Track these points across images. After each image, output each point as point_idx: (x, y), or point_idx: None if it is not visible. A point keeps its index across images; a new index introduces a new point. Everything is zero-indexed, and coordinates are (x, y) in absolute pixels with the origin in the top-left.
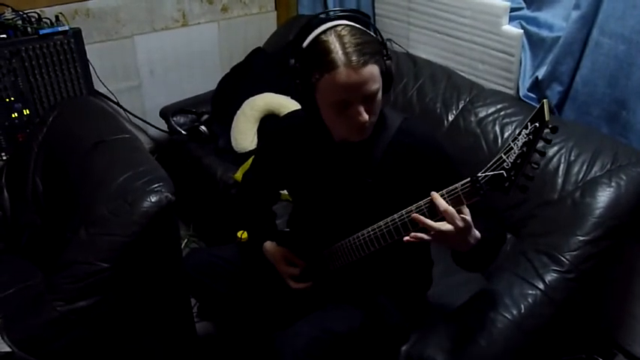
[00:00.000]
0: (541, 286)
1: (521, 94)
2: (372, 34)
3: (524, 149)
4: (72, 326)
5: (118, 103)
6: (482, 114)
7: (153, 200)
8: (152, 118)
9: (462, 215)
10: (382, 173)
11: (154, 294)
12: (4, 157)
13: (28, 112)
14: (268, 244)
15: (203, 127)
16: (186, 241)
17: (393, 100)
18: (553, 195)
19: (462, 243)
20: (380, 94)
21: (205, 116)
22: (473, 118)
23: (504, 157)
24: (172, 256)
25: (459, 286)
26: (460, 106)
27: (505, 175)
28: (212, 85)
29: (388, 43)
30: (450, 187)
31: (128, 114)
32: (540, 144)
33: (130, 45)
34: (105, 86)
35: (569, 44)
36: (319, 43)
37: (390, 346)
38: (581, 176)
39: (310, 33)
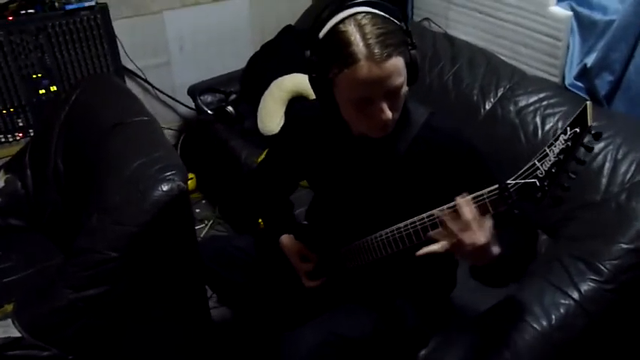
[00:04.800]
0: (575, 295)
1: (566, 82)
2: (395, 21)
3: (561, 157)
4: (81, 314)
5: (146, 80)
6: (522, 103)
7: (164, 189)
8: (181, 96)
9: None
10: (405, 171)
11: (167, 283)
12: (32, 134)
13: (55, 88)
14: (285, 238)
15: (230, 108)
16: (211, 222)
17: (428, 85)
18: (595, 196)
19: (479, 257)
20: (405, 88)
21: (233, 96)
22: (512, 107)
23: (538, 164)
24: (186, 245)
25: (486, 288)
26: (499, 94)
27: (538, 184)
28: (243, 64)
29: (425, 22)
30: (477, 193)
31: (156, 91)
32: (581, 151)
33: (159, 20)
34: (133, 63)
35: (624, 29)
36: (337, 34)
37: (406, 351)
38: (628, 177)
39: (328, 20)
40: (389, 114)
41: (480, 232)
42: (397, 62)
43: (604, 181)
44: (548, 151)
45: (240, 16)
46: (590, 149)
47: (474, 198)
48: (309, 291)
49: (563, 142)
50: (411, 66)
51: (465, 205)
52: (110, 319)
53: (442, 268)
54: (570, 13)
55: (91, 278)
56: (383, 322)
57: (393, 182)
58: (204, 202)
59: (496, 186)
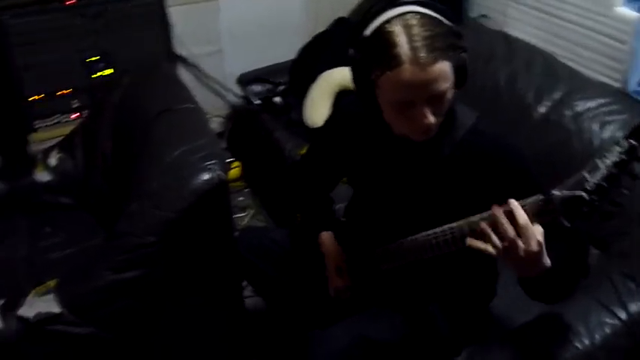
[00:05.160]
0: (623, 315)
1: (629, 89)
2: (446, 22)
3: (614, 171)
4: (119, 295)
5: (197, 67)
6: (579, 108)
7: (204, 178)
8: (231, 85)
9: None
10: (447, 174)
11: (204, 270)
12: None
13: (110, 72)
14: (326, 236)
15: (277, 98)
16: (252, 212)
17: (481, 85)
18: None
19: (529, 266)
20: (450, 93)
21: (282, 87)
22: (568, 112)
23: (587, 175)
24: (223, 234)
25: (528, 300)
26: (555, 97)
27: (586, 198)
28: (294, 54)
29: (483, 19)
30: (520, 202)
31: (207, 79)
32: (636, 165)
33: (214, 8)
34: (186, 49)
35: None
36: (383, 34)
37: (438, 359)
38: None
39: (375, 18)
40: (431, 119)
41: (533, 239)
42: (443, 67)
43: None
44: (599, 162)
45: (294, 6)
46: None
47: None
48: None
49: (617, 154)
50: (459, 70)
51: (519, 208)
52: (147, 302)
53: (481, 276)
54: (638, 14)
55: (129, 261)
56: (413, 328)
57: (434, 185)
58: (247, 190)
59: (540, 196)
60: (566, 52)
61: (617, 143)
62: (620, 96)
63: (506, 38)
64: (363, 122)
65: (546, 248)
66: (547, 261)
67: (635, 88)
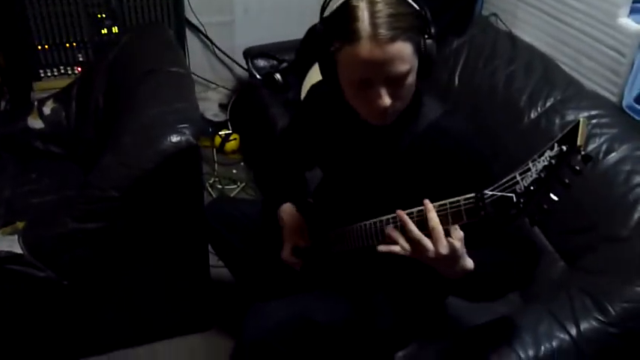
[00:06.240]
0: (573, 331)
1: (624, 103)
2: (414, 5)
3: (542, 175)
4: (79, 244)
5: (207, 36)
6: (569, 117)
7: (173, 140)
8: (239, 57)
9: (449, 239)
10: (404, 165)
11: (167, 233)
12: None
13: (117, 30)
14: (287, 206)
15: (278, 75)
16: (243, 185)
17: (478, 83)
18: (622, 231)
19: (444, 269)
20: (411, 78)
21: (285, 64)
22: (558, 120)
23: (519, 177)
24: (190, 199)
25: (487, 303)
26: (547, 104)
27: (514, 200)
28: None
29: (493, 18)
30: (454, 199)
31: (215, 48)
32: (568, 172)
33: None
34: (196, 17)
35: None
36: (347, 8)
37: (381, 350)
38: None
39: None
40: (387, 101)
41: (441, 242)
42: (403, 47)
43: (636, 216)
44: (531, 165)
45: None
46: (577, 172)
47: (451, 203)
48: (287, 267)
49: (547, 158)
50: (424, 57)
51: (432, 211)
52: (106, 254)
53: (429, 272)
54: None
55: (91, 212)
56: (356, 314)
57: (391, 174)
58: (242, 164)
59: (472, 194)
60: (569, 59)
61: (550, 147)
62: (614, 110)
63: (512, 39)
64: (333, 104)
65: (482, 252)
66: (467, 264)
67: (630, 103)
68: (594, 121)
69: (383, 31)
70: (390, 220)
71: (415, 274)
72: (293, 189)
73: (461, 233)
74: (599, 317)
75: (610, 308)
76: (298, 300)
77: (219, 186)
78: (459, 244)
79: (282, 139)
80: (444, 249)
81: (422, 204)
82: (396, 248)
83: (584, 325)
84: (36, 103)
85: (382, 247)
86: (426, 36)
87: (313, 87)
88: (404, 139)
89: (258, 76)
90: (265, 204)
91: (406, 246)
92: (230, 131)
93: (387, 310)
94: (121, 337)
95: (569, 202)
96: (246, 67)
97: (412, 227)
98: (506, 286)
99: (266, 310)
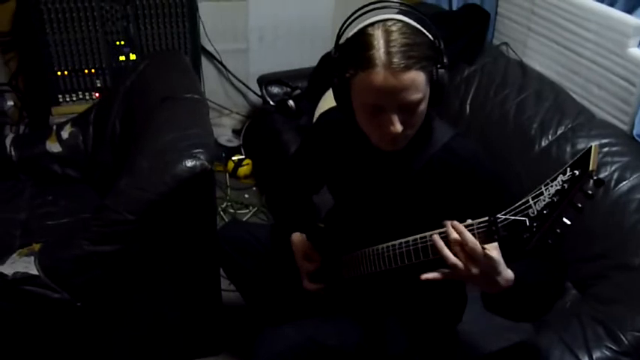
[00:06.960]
0: None
1: (635, 132)
2: (429, 35)
3: (555, 199)
4: (94, 266)
5: (222, 63)
6: (580, 145)
7: (188, 165)
8: (253, 84)
9: (485, 251)
10: (417, 189)
11: (181, 256)
12: None
13: (134, 57)
14: (296, 235)
15: (291, 102)
16: (255, 210)
17: (489, 111)
18: (634, 259)
19: (486, 283)
20: (423, 106)
21: (298, 91)
22: (569, 149)
23: (532, 201)
24: (203, 224)
25: (499, 330)
26: (558, 132)
27: (527, 223)
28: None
29: (503, 47)
30: (468, 222)
31: (230, 75)
32: (580, 197)
33: (243, 7)
34: (212, 45)
35: None
36: (363, 36)
37: None
38: None
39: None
40: (398, 127)
41: (480, 260)
42: (416, 77)
43: None
44: (543, 189)
45: (324, 13)
46: (590, 196)
47: (466, 226)
48: (306, 292)
49: (560, 183)
50: (435, 85)
51: (459, 225)
52: (120, 277)
53: (444, 296)
54: None
55: (106, 235)
56: (367, 339)
57: (404, 198)
58: (254, 189)
59: (485, 218)
60: (579, 88)
61: (562, 172)
62: (625, 138)
63: (522, 68)
64: (344, 130)
65: (519, 264)
66: (508, 274)
67: None
68: (605, 149)
69: (397, 60)
70: (403, 245)
71: (428, 299)
72: (302, 213)
73: (495, 243)
74: (612, 346)
75: (622, 337)
76: (309, 324)
77: (232, 210)
78: (495, 252)
79: (290, 164)
80: (473, 268)
81: (434, 227)
82: (436, 275)
83: (596, 355)
84: (54, 127)
85: (427, 276)
86: (439, 65)
87: (323, 114)
88: (416, 162)
89: (271, 103)
90: (275, 229)
91: (453, 260)
92: (243, 156)
93: (399, 335)
94: (131, 359)
95: (580, 229)
96: (259, 93)
97: (447, 253)
98: (546, 301)
99: (277, 334)
